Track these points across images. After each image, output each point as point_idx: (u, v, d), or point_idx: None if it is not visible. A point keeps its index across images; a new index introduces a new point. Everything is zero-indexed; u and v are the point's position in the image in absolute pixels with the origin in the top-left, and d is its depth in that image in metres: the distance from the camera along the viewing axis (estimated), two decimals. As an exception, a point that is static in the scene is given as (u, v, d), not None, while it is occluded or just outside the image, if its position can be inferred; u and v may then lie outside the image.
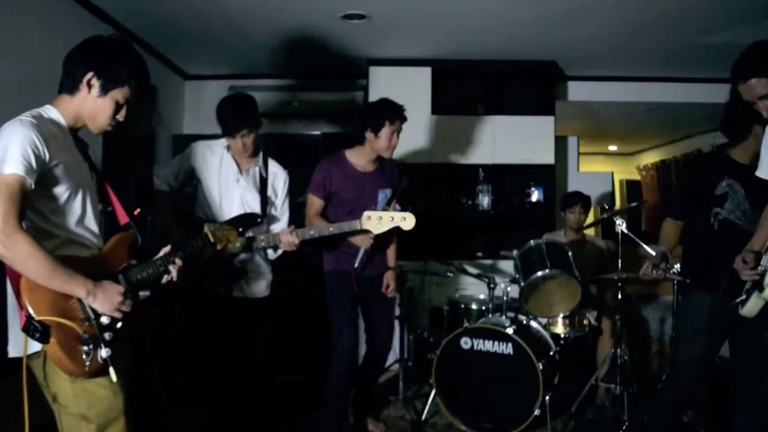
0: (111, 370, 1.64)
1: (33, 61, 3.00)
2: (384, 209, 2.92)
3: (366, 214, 2.72)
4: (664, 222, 2.78)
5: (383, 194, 3.09)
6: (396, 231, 2.80)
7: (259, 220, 2.76)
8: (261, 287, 2.84)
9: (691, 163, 2.72)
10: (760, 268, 2.09)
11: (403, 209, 2.75)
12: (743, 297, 2.20)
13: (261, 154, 2.87)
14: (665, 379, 2.92)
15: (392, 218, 2.70)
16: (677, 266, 2.82)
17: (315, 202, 3.05)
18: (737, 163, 2.58)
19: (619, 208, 4.71)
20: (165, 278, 1.87)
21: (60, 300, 1.61)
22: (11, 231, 1.52)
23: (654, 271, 2.65)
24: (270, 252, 2.84)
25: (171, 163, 2.97)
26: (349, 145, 3.12)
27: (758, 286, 2.10)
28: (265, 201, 2.83)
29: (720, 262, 2.49)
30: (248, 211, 2.76)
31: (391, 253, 3.23)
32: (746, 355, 2.41)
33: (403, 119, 3.02)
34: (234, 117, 2.70)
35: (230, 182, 2.78)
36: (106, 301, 1.65)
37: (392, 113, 2.96)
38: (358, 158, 3.07)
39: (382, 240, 2.97)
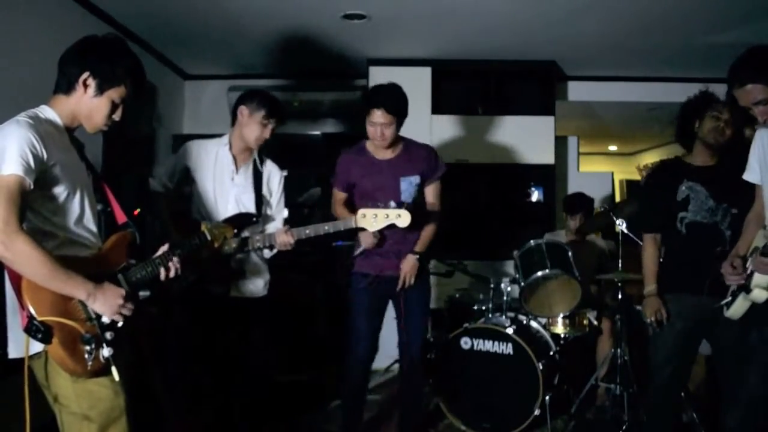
0: (113, 369, 1.64)
1: (33, 61, 2.99)
2: (405, 203, 2.81)
3: (361, 211, 2.66)
4: (644, 239, 2.82)
5: (406, 182, 2.95)
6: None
7: (254, 219, 2.75)
8: (258, 287, 2.83)
9: (649, 175, 2.82)
10: (747, 268, 2.10)
11: (398, 206, 2.71)
12: (729, 299, 2.21)
13: (256, 152, 2.87)
14: (653, 386, 2.93)
15: (387, 215, 2.65)
16: None
17: (337, 195, 3.04)
18: (693, 166, 2.70)
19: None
20: (163, 273, 1.87)
21: (61, 300, 1.61)
22: (12, 232, 1.52)
23: (655, 319, 2.69)
24: (265, 251, 2.83)
25: (165, 162, 2.97)
26: None
27: (745, 288, 2.11)
28: (260, 200, 2.82)
29: (696, 262, 2.59)
30: (243, 211, 2.76)
31: (422, 237, 2.98)
32: (732, 355, 2.44)
33: (385, 108, 2.80)
34: (274, 103, 2.75)
35: (225, 182, 2.77)
36: (106, 304, 1.65)
37: (367, 103, 2.86)
38: (374, 146, 2.98)
39: (406, 235, 2.87)
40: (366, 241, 2.87)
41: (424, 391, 3.41)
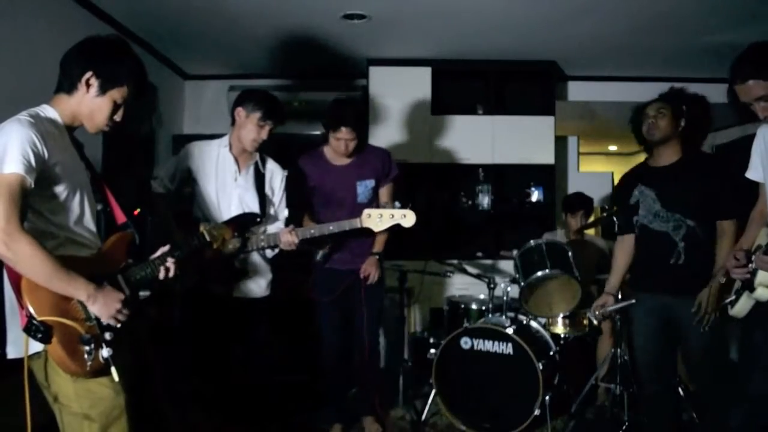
0: (113, 369, 1.64)
1: (33, 61, 3.00)
2: (382, 205, 2.92)
3: (366, 211, 2.74)
4: (616, 241, 2.94)
5: (362, 185, 3.11)
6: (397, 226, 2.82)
7: (258, 219, 2.75)
8: (261, 287, 2.84)
9: (618, 181, 2.92)
10: (750, 266, 2.10)
11: (403, 206, 2.76)
12: (733, 297, 2.21)
13: (258, 153, 2.87)
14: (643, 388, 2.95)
15: (392, 215, 2.71)
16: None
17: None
18: (650, 168, 2.77)
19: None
20: (162, 273, 1.87)
21: (61, 300, 1.61)
22: (14, 231, 1.52)
23: (598, 313, 2.87)
24: (267, 251, 2.83)
25: (166, 164, 2.97)
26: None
27: (749, 286, 2.11)
28: (263, 200, 2.82)
29: (647, 264, 2.72)
30: (247, 211, 2.76)
31: (378, 240, 3.14)
32: (738, 354, 2.45)
33: (351, 126, 2.95)
34: (274, 103, 2.76)
35: (228, 182, 2.77)
36: (105, 307, 1.65)
37: (334, 121, 2.98)
38: (331, 153, 3.14)
39: (363, 235, 2.99)
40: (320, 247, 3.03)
41: (424, 389, 3.44)
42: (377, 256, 3.13)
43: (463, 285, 4.46)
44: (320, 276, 3.17)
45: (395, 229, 2.84)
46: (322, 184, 3.13)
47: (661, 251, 2.63)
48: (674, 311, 2.60)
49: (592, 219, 4.22)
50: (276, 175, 2.91)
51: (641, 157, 3.00)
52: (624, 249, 2.85)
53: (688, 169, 2.65)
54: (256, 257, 2.81)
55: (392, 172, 3.21)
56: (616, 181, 7.87)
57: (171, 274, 1.88)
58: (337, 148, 3.03)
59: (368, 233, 2.94)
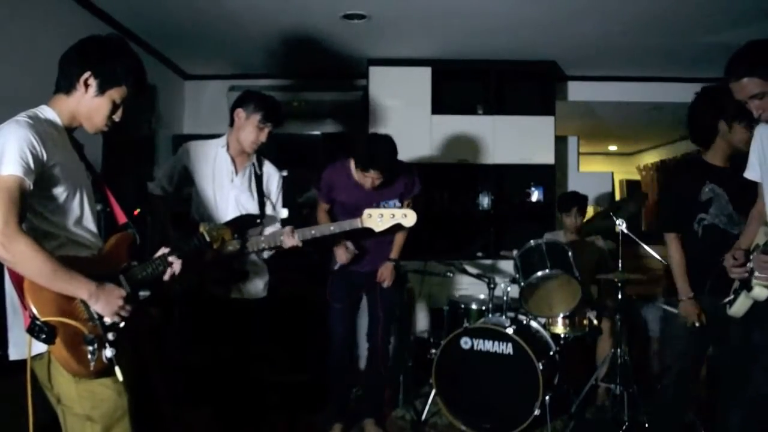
0: (117, 369, 1.63)
1: (33, 62, 3.00)
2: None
3: (367, 211, 2.73)
4: (667, 239, 2.71)
5: (385, 205, 3.10)
6: (399, 227, 2.82)
7: (257, 221, 2.75)
8: (258, 288, 2.83)
9: (672, 172, 2.72)
10: (748, 265, 2.10)
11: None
12: (731, 297, 2.21)
13: (255, 154, 2.86)
14: (663, 385, 2.92)
15: (393, 215, 2.72)
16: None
17: (321, 205, 3.25)
18: (715, 167, 2.64)
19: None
20: (168, 274, 1.87)
21: (64, 300, 1.60)
22: (12, 233, 1.51)
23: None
24: (265, 252, 2.82)
25: (164, 166, 2.96)
26: None
27: (746, 285, 2.11)
28: (262, 201, 2.82)
29: (707, 266, 2.52)
30: (243, 212, 2.75)
31: (396, 244, 3.22)
32: (735, 355, 2.44)
33: (382, 171, 2.96)
34: (274, 106, 2.75)
35: (224, 183, 2.76)
36: (107, 304, 1.64)
37: (366, 163, 2.97)
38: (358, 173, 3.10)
39: (383, 237, 2.99)
40: (340, 257, 3.08)
41: (424, 389, 3.45)
42: (393, 263, 3.20)
43: (463, 285, 4.47)
44: (338, 277, 3.20)
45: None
46: (345, 198, 3.14)
47: (727, 250, 2.47)
48: (723, 312, 2.45)
49: (589, 218, 4.22)
50: (272, 178, 2.90)
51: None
52: (681, 247, 2.65)
53: (739, 173, 2.56)
54: (253, 258, 2.80)
55: (415, 189, 3.24)
56: (616, 181, 7.86)
57: (177, 271, 1.88)
58: (363, 182, 3.02)
59: (390, 234, 3.00)
